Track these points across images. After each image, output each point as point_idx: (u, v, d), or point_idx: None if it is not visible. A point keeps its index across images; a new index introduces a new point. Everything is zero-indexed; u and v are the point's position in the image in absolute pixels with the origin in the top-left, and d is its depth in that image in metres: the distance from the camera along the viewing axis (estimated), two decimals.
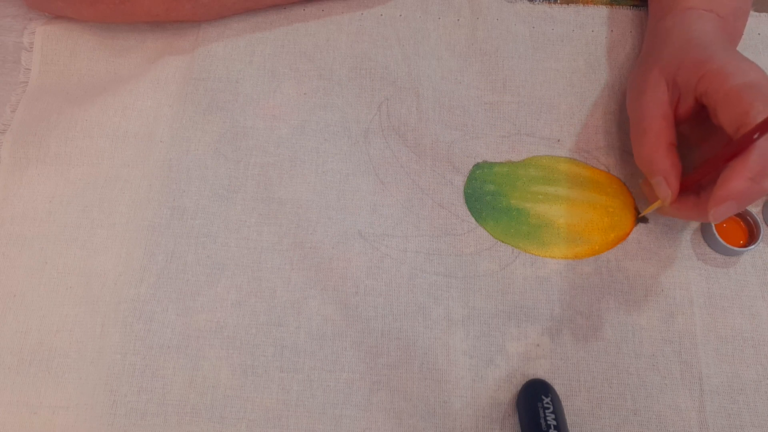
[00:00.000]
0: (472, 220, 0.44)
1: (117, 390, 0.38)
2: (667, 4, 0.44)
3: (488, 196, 0.44)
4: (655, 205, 0.40)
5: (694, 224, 0.43)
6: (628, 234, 0.43)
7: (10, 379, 0.39)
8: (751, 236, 0.43)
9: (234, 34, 0.48)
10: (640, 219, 0.43)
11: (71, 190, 0.44)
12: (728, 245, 0.41)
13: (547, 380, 0.39)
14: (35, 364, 0.40)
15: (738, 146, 0.34)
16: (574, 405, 0.39)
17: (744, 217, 0.43)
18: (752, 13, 0.49)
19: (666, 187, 0.37)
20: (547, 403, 0.37)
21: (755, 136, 0.33)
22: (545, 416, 0.36)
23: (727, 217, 0.36)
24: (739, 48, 0.45)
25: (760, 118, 0.33)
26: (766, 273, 0.42)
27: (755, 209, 0.43)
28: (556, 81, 0.48)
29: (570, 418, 0.38)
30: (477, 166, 0.45)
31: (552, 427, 0.36)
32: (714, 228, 0.42)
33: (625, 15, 0.50)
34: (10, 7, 0.49)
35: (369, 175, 0.45)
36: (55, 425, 0.38)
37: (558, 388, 0.39)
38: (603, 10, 0.50)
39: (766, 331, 0.41)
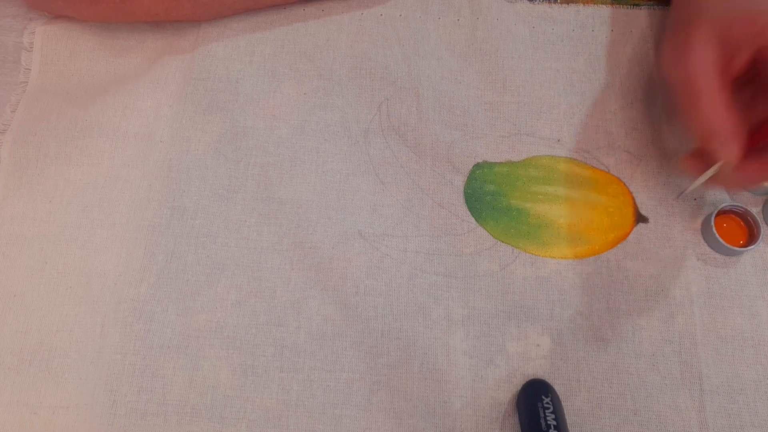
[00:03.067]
0: (472, 220, 0.44)
1: (117, 390, 0.38)
2: None
3: (488, 196, 0.44)
4: (712, 170, 0.37)
5: (695, 224, 0.43)
6: (628, 234, 0.43)
7: (10, 379, 0.39)
8: (751, 236, 0.43)
9: (234, 34, 0.48)
10: (678, 196, 0.42)
11: (71, 190, 0.44)
12: (728, 245, 0.41)
13: (547, 380, 0.39)
14: (35, 364, 0.40)
15: None
16: (574, 405, 0.39)
17: (744, 217, 0.43)
18: None
19: (732, 146, 0.34)
20: (547, 403, 0.37)
21: None
22: (545, 416, 0.36)
23: None
24: None
25: None
26: (766, 273, 0.42)
27: (755, 209, 0.43)
28: (556, 81, 0.48)
29: (570, 418, 0.38)
30: (477, 166, 0.45)
31: (552, 427, 0.36)
32: (714, 228, 0.42)
33: (626, 14, 0.50)
34: (10, 7, 0.49)
35: (369, 175, 0.45)
36: (55, 425, 0.38)
37: (558, 388, 0.39)
38: (603, 10, 0.50)
39: (766, 331, 0.41)
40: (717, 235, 0.42)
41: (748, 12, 0.35)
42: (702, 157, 0.38)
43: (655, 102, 0.46)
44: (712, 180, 0.38)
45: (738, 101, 0.37)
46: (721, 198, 0.44)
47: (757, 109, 0.38)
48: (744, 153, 0.35)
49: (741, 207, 0.43)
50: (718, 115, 0.35)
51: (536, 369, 0.40)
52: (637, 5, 0.50)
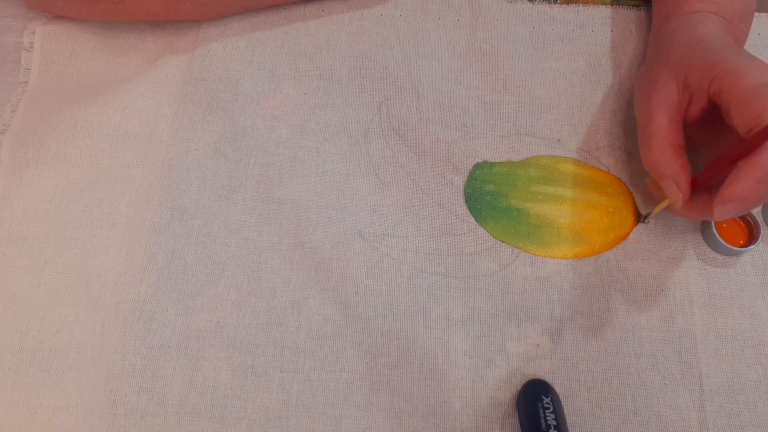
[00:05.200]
0: (472, 220, 0.44)
1: (117, 390, 0.38)
2: (672, 6, 0.44)
3: (488, 196, 0.44)
4: (663, 204, 0.40)
5: (695, 224, 0.43)
6: (628, 234, 0.43)
7: (10, 379, 0.39)
8: (751, 236, 0.43)
9: (234, 34, 0.48)
10: (643, 219, 0.43)
11: (71, 190, 0.44)
12: (728, 245, 0.41)
13: (547, 380, 0.39)
14: (35, 364, 0.40)
15: (747, 147, 0.34)
16: (574, 405, 0.39)
17: (744, 217, 0.43)
18: None
19: (676, 189, 0.37)
20: (547, 403, 0.37)
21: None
22: (545, 416, 0.36)
23: (732, 216, 0.36)
24: None
25: None
26: (766, 273, 0.42)
27: (755, 209, 0.43)
28: (556, 81, 0.48)
29: (570, 418, 0.38)
30: (477, 166, 0.45)
31: (552, 427, 0.36)
32: (714, 228, 0.42)
33: (626, 15, 0.50)
34: (10, 7, 0.49)
35: (369, 175, 0.45)
36: (55, 425, 0.38)
37: (558, 388, 0.39)
38: (603, 10, 0.50)
39: (766, 331, 0.41)
40: (717, 235, 0.42)
41: (705, 61, 0.37)
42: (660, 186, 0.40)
43: None
44: (670, 209, 0.40)
45: (703, 139, 0.41)
46: None
47: (718, 144, 0.40)
48: (688, 194, 0.37)
49: None
50: (665, 158, 0.38)
51: (536, 369, 0.40)
52: (637, 6, 0.50)
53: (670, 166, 0.37)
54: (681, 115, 0.39)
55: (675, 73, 0.39)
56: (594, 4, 0.50)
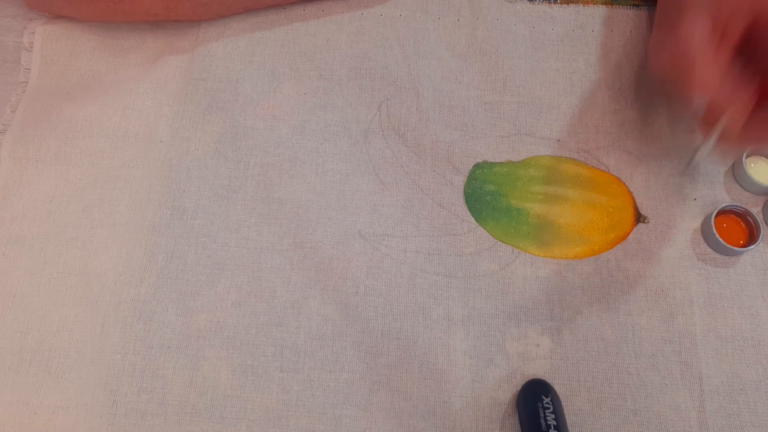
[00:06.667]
0: (472, 220, 0.44)
1: (117, 390, 0.38)
2: None
3: (488, 196, 0.44)
4: (714, 134, 0.36)
5: (695, 224, 0.43)
6: (628, 234, 0.43)
7: (10, 379, 0.39)
8: (751, 236, 0.43)
9: (234, 34, 0.49)
10: (688, 166, 0.41)
11: (71, 190, 0.44)
12: (728, 245, 0.41)
13: (547, 380, 0.39)
14: (35, 364, 0.40)
15: None
16: (574, 405, 0.39)
17: (744, 217, 0.43)
18: None
19: (740, 94, 0.33)
20: (547, 403, 0.37)
21: None
22: (545, 416, 0.36)
23: None
24: None
25: None
26: (766, 273, 0.42)
27: (755, 209, 0.43)
28: (556, 81, 0.48)
29: (570, 418, 0.38)
30: (477, 166, 0.45)
31: (552, 427, 0.36)
32: (714, 228, 0.42)
33: (625, 15, 0.50)
34: (10, 7, 0.49)
35: (369, 175, 0.45)
36: (55, 425, 0.38)
37: (558, 388, 0.39)
38: (603, 10, 0.50)
39: (766, 331, 0.41)
40: (717, 235, 0.42)
41: None
42: (711, 123, 0.37)
43: (655, 101, 0.46)
44: (723, 139, 0.37)
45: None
46: (721, 198, 0.44)
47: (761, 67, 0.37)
48: (750, 107, 0.34)
49: (741, 207, 0.43)
50: (716, 75, 0.34)
51: (536, 369, 0.40)
52: (637, 6, 0.50)
53: (720, 80, 0.34)
54: (720, 44, 0.36)
55: (705, 7, 0.36)
56: (594, 4, 0.50)
